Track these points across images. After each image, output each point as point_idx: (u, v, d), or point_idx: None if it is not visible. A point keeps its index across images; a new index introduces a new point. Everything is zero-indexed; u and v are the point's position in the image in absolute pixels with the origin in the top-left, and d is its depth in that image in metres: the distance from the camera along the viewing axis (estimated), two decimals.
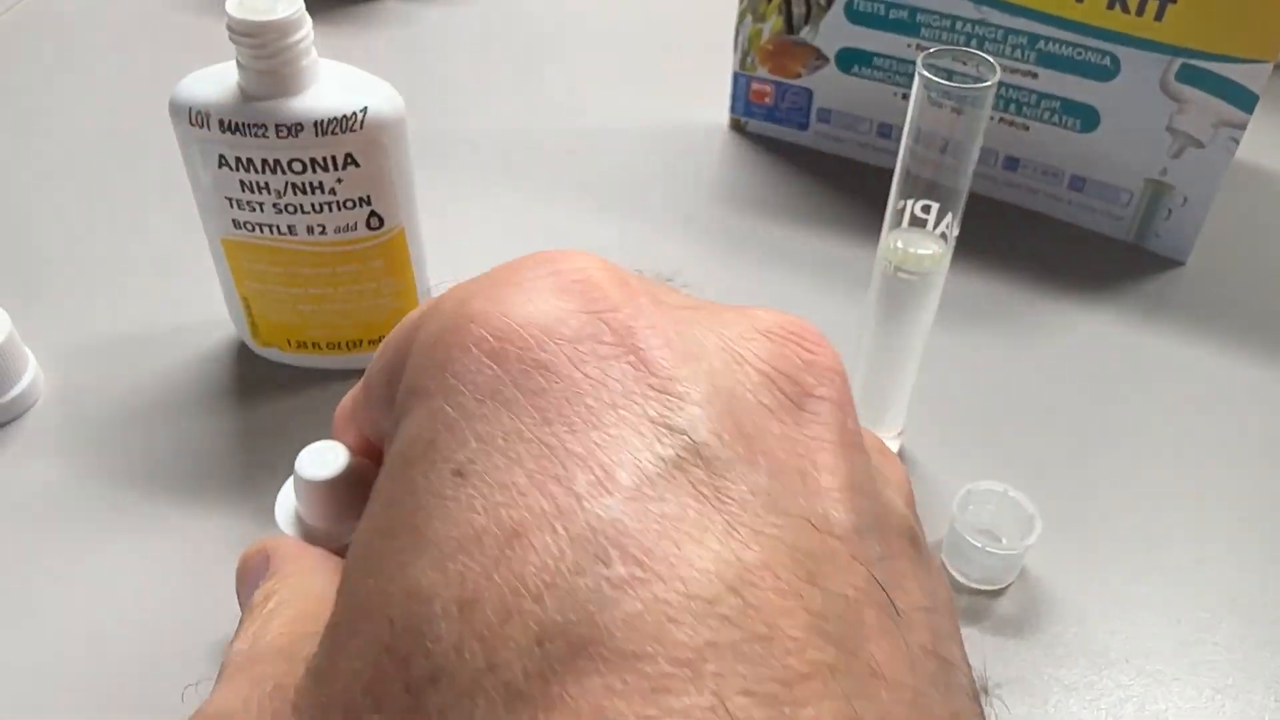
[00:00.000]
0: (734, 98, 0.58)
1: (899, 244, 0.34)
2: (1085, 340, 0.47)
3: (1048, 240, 0.52)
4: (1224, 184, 0.48)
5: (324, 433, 0.29)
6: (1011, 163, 0.53)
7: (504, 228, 0.52)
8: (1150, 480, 0.41)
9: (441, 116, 0.59)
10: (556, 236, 0.51)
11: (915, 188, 0.33)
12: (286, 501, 0.34)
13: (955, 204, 0.33)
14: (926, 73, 0.30)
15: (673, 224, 0.52)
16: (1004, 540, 0.36)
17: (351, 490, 0.34)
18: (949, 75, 0.31)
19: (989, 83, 0.30)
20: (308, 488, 0.33)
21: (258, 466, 0.40)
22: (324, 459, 0.33)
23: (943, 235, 0.34)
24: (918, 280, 0.34)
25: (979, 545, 0.34)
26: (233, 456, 0.41)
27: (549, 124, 0.59)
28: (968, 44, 0.50)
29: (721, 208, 0.54)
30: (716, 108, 0.59)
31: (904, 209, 0.34)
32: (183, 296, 0.47)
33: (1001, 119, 0.51)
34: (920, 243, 0.34)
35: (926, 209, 0.34)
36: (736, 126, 0.59)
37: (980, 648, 0.35)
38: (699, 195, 0.54)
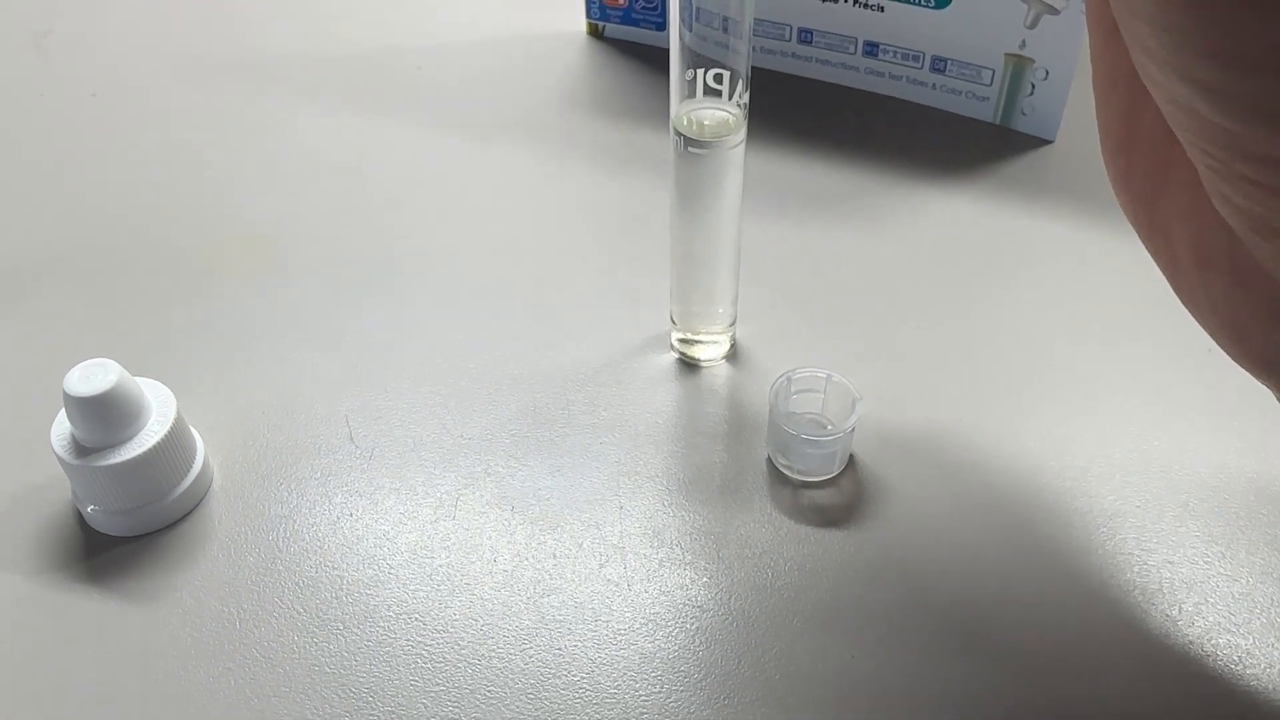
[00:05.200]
0: (588, 2, 0.55)
1: (688, 117, 0.32)
2: (949, 224, 0.45)
3: (914, 127, 0.50)
4: (1086, 57, 0.46)
5: None
6: (871, 48, 0.50)
7: (355, 150, 0.49)
8: (1007, 360, 0.39)
9: (290, 40, 0.57)
10: (402, 153, 0.49)
11: (698, 58, 0.31)
12: (60, 426, 0.33)
13: (741, 67, 0.31)
14: None
15: (526, 136, 0.50)
16: (829, 428, 0.34)
17: (121, 404, 0.32)
18: None
19: None
20: (79, 404, 0.31)
21: None
22: (92, 375, 0.32)
23: (739, 105, 0.32)
24: (709, 154, 0.32)
25: (794, 433, 0.32)
26: None
27: (397, 42, 0.57)
28: None
29: (578, 116, 0.51)
30: (573, 14, 0.57)
31: (694, 79, 0.32)
32: None
33: (856, 2, 0.49)
34: (711, 113, 0.32)
35: (719, 78, 0.31)
36: (594, 32, 0.56)
37: (809, 539, 0.33)
38: (555, 105, 0.52)
